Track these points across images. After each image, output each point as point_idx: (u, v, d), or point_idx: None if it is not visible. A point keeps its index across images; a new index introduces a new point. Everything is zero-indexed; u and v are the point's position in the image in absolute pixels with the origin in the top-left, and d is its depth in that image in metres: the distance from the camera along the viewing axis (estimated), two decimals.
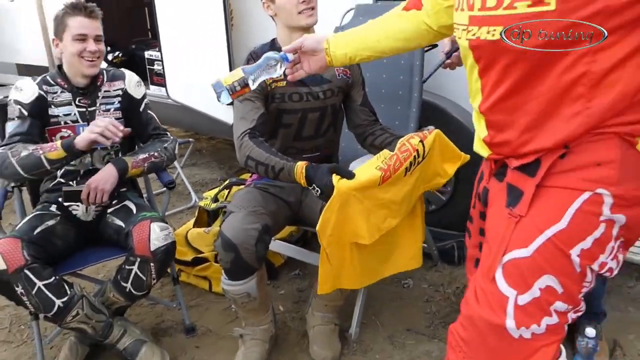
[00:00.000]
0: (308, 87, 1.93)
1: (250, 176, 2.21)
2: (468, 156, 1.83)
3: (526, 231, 1.01)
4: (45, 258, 1.87)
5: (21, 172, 1.85)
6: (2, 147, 1.90)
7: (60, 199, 2.02)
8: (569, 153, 0.97)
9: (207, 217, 2.88)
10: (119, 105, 2.10)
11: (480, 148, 1.16)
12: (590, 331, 1.89)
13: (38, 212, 2.01)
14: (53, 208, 2.04)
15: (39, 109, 1.98)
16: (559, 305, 1.03)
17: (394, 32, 1.39)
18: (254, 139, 1.80)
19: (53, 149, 1.83)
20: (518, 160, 1.04)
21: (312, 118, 1.97)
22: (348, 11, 2.67)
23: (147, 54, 4.34)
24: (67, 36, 1.96)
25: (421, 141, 1.79)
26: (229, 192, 2.85)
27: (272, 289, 2.54)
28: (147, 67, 4.34)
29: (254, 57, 1.88)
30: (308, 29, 1.86)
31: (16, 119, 1.96)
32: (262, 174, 1.80)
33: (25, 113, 1.96)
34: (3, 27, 5.31)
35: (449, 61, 1.93)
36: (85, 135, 1.82)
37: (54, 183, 2.07)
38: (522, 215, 1.02)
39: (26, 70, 5.30)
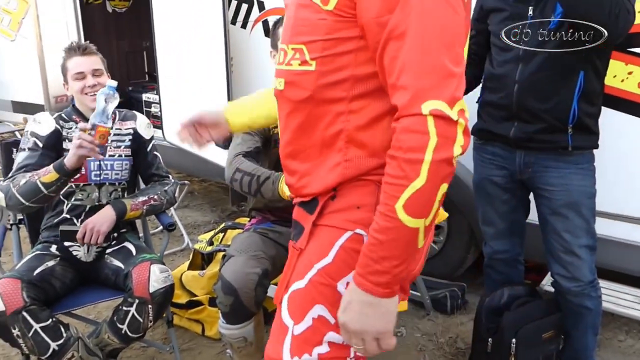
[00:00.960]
0: None
1: (249, 220, 2.24)
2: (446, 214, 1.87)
3: (303, 264, 1.11)
4: (44, 299, 1.86)
5: (23, 200, 1.85)
6: (7, 179, 1.93)
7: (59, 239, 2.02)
8: (338, 195, 1.09)
9: (201, 260, 2.89)
10: (129, 143, 2.17)
11: (285, 188, 1.29)
12: None
13: (38, 252, 2.01)
14: (53, 248, 2.04)
15: (54, 142, 2.04)
16: (333, 335, 1.08)
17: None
18: (246, 157, 1.87)
19: (47, 172, 1.84)
20: (300, 197, 1.16)
21: None
22: None
23: (145, 96, 4.42)
24: (69, 77, 2.06)
25: None
26: (224, 236, 2.87)
27: (266, 335, 2.52)
28: (145, 109, 4.41)
29: None
30: None
31: (27, 150, 2.00)
32: (246, 186, 1.83)
33: (40, 145, 2.01)
34: (2, 65, 5.38)
35: None
36: (70, 152, 1.82)
37: (58, 219, 2.07)
38: (302, 249, 1.12)
39: (21, 107, 5.34)
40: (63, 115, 2.12)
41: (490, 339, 1.95)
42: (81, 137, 1.74)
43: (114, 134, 2.13)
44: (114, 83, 1.73)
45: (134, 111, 2.30)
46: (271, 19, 3.13)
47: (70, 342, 1.85)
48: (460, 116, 0.90)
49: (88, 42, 2.12)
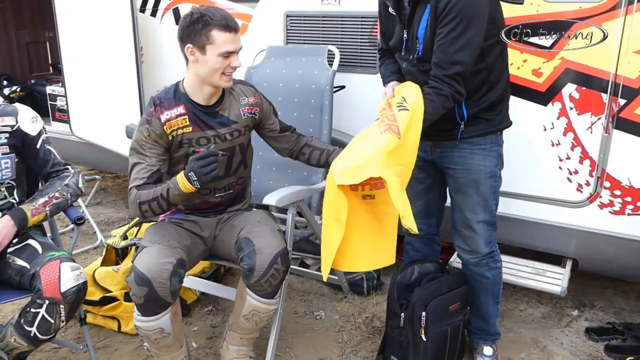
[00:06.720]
0: (215, 130, 1.96)
1: None
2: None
3: None
4: None
5: None
6: None
7: None
8: None
9: (115, 256, 2.80)
10: (6, 141, 1.99)
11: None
12: (487, 350, 2.06)
13: None
14: None
15: None
16: None
17: None
18: (140, 188, 1.84)
19: None
20: None
21: (222, 159, 1.98)
22: (260, 52, 2.77)
23: (49, 89, 4.20)
24: None
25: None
26: (139, 230, 2.80)
27: (184, 326, 2.49)
28: (49, 102, 4.19)
29: (157, 103, 1.89)
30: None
31: None
32: (157, 209, 1.83)
33: None
34: None
35: None
36: None
37: None
38: None
39: None
40: None
41: (402, 314, 2.04)
42: None
43: None
44: None
45: (17, 104, 2.10)
46: (182, 7, 3.07)
47: None
48: None
49: None
